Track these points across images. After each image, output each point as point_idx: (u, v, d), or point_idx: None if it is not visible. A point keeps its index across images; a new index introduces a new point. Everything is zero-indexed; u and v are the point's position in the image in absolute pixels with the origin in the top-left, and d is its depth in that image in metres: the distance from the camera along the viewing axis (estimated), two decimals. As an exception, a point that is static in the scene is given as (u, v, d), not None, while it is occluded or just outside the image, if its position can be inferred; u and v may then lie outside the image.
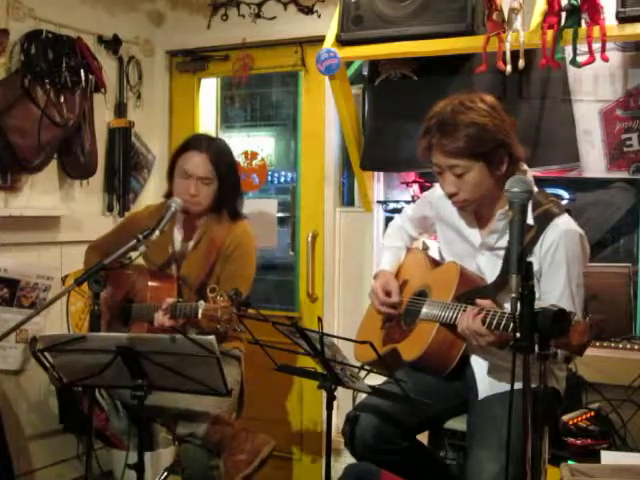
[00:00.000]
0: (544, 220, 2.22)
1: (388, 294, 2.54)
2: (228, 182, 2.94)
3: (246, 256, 2.94)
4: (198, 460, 2.76)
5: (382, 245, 2.83)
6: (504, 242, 2.27)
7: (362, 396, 2.53)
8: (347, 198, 3.73)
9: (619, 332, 2.97)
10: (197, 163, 2.88)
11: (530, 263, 1.70)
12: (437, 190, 2.55)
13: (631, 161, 2.88)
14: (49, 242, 3.51)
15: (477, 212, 2.37)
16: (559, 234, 2.20)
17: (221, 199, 2.93)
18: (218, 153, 2.94)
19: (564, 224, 2.22)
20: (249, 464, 2.70)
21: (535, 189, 2.31)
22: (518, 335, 1.69)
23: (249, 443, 2.75)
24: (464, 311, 2.18)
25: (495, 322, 2.07)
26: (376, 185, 3.57)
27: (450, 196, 2.29)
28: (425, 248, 3.16)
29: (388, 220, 3.50)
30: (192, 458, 2.78)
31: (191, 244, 2.99)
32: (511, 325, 2.03)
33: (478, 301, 2.17)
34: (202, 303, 2.48)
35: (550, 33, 2.62)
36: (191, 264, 2.94)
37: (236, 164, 3.09)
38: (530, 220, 2.21)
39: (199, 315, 2.47)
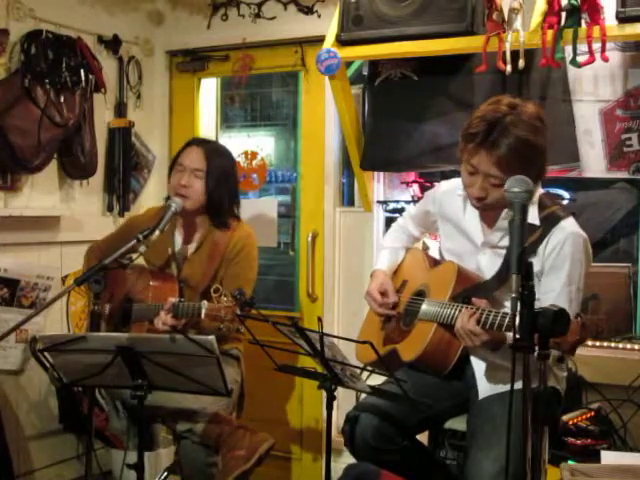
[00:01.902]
0: (551, 222, 2.23)
1: (384, 294, 2.54)
2: (222, 182, 2.94)
3: (249, 259, 2.95)
4: (196, 457, 2.76)
5: (381, 244, 2.82)
6: (507, 241, 2.27)
7: (365, 396, 2.53)
8: (347, 198, 3.73)
9: (619, 332, 2.97)
10: (192, 155, 2.94)
11: (530, 263, 1.70)
12: (441, 187, 2.56)
13: (631, 161, 2.88)
14: (49, 242, 3.51)
15: (487, 212, 2.37)
16: (565, 236, 2.21)
17: (215, 200, 2.93)
18: (214, 151, 2.99)
19: (570, 226, 2.23)
20: (247, 460, 2.69)
21: (541, 190, 2.32)
22: (515, 335, 1.69)
23: (247, 440, 2.75)
24: (461, 310, 2.18)
25: (489, 321, 2.08)
26: (376, 185, 3.57)
27: (477, 199, 2.27)
28: (425, 248, 3.16)
29: (388, 220, 3.50)
30: (190, 456, 2.77)
31: (192, 246, 3.00)
32: (505, 324, 2.03)
33: (474, 300, 2.17)
34: (205, 303, 2.48)
35: (550, 33, 2.62)
36: (193, 266, 2.95)
37: (234, 169, 3.07)
38: (536, 221, 2.22)
39: (202, 315, 2.47)
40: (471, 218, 2.41)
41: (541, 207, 2.25)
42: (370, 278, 2.65)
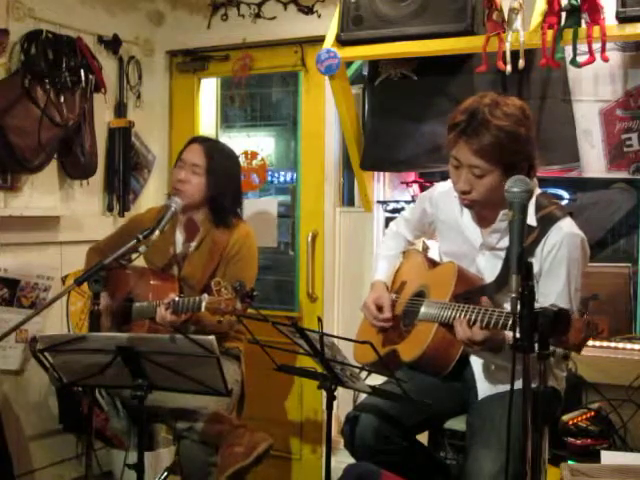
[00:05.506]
0: (547, 222, 2.22)
1: (380, 309, 2.53)
2: (224, 182, 2.95)
3: (248, 258, 2.96)
4: (196, 457, 2.76)
5: (377, 253, 2.82)
6: (505, 242, 2.26)
7: (362, 396, 2.53)
8: (347, 198, 3.73)
9: (619, 332, 2.97)
10: (192, 151, 2.97)
11: (530, 263, 1.70)
12: (437, 188, 2.56)
13: (631, 161, 2.88)
14: (49, 242, 3.51)
15: (480, 212, 2.36)
16: (562, 237, 2.19)
17: (217, 199, 2.94)
18: (216, 149, 3.02)
19: (567, 227, 2.22)
20: (245, 457, 2.69)
21: (538, 191, 2.31)
22: (515, 335, 1.69)
23: (247, 438, 2.75)
24: (461, 310, 2.17)
25: (493, 321, 2.07)
26: (376, 185, 3.57)
27: (461, 193, 2.28)
28: (425, 248, 3.15)
29: (388, 220, 3.50)
30: (190, 455, 2.78)
31: (192, 245, 3.00)
32: (509, 323, 2.02)
33: (483, 298, 2.16)
34: (205, 296, 2.47)
35: (550, 33, 2.62)
36: (193, 266, 2.96)
37: (237, 170, 3.08)
38: (533, 222, 2.21)
39: (202, 308, 2.46)
40: (468, 220, 2.41)
41: (538, 207, 2.24)
42: (370, 289, 2.64)
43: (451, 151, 2.25)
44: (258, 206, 3.87)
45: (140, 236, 2.60)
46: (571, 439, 2.60)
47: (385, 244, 2.77)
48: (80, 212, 3.65)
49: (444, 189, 2.49)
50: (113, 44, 3.75)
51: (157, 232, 2.65)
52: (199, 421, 2.73)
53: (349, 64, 3.38)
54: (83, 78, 3.45)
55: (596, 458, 2.40)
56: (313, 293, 3.71)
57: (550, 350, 1.69)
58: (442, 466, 2.58)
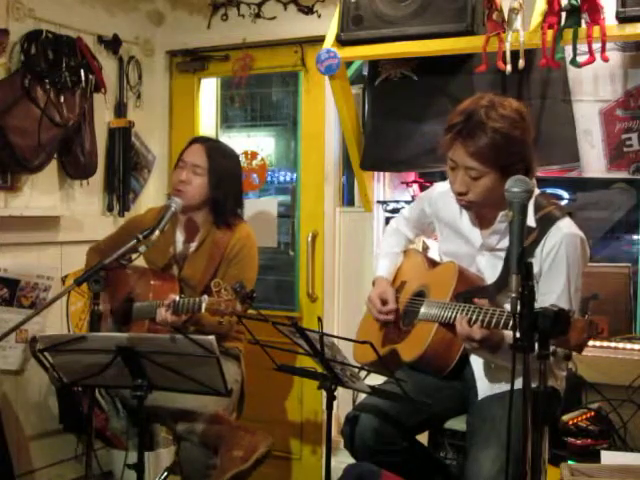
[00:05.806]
0: (546, 223, 2.22)
1: (384, 302, 2.53)
2: (225, 182, 2.95)
3: (248, 259, 2.96)
4: (197, 459, 2.76)
5: (377, 253, 2.82)
6: (505, 243, 2.26)
7: (362, 396, 2.53)
8: (347, 198, 3.74)
9: (619, 332, 2.97)
10: (193, 152, 2.96)
11: (530, 263, 1.70)
12: (436, 188, 2.56)
13: (631, 161, 2.88)
14: (49, 242, 3.51)
15: (479, 213, 2.36)
16: (561, 237, 2.19)
17: (218, 199, 2.94)
18: (217, 149, 3.01)
19: (566, 227, 2.21)
20: (245, 461, 2.68)
21: (537, 191, 2.31)
22: (515, 335, 1.69)
23: (247, 440, 2.74)
24: (462, 310, 2.17)
25: (494, 321, 2.07)
26: (376, 185, 3.57)
27: (458, 194, 2.28)
28: (425, 248, 3.16)
29: (388, 220, 3.50)
30: (191, 457, 2.77)
31: (193, 246, 3.00)
32: (510, 322, 2.02)
33: (476, 300, 2.16)
34: (205, 297, 2.47)
35: (550, 33, 2.62)
36: (193, 266, 2.95)
37: (238, 170, 3.09)
38: (532, 222, 2.21)
39: (202, 309, 2.46)
40: (467, 220, 2.40)
41: (537, 208, 2.24)
42: (372, 285, 2.64)
43: (447, 152, 2.25)
44: (258, 206, 3.87)
45: (140, 236, 2.60)
46: (571, 439, 2.60)
47: (386, 241, 2.77)
48: (80, 212, 3.65)
49: (443, 189, 2.49)
50: (113, 44, 3.75)
51: (157, 232, 2.65)
52: (198, 422, 2.72)
53: (349, 64, 3.38)
54: (83, 78, 3.45)
55: (596, 458, 2.40)
56: (313, 293, 3.71)
57: (551, 350, 1.69)
58: (442, 466, 2.58)
